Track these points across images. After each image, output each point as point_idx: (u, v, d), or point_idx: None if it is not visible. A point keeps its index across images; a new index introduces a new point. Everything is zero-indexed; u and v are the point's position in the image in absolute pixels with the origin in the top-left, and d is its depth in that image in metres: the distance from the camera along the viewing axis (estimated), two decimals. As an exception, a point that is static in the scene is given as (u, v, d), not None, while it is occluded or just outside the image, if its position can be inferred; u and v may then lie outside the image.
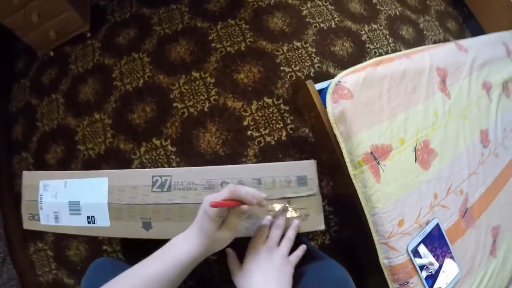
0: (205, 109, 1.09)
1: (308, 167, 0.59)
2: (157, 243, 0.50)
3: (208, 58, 1.15)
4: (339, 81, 0.66)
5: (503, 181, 0.85)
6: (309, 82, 0.72)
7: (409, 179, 0.69)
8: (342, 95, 0.65)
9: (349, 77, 0.66)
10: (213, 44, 1.17)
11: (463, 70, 0.85)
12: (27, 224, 0.65)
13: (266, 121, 1.08)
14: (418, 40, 1.40)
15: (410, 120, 0.71)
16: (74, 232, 0.61)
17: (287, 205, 0.58)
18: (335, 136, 0.67)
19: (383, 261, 0.67)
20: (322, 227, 0.58)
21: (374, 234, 0.67)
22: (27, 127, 1.22)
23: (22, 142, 1.21)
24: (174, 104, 1.11)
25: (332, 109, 0.65)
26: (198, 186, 0.58)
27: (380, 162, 0.66)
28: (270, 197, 0.57)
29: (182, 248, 0.47)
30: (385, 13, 1.39)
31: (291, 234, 0.56)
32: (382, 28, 1.34)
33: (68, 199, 0.61)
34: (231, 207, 0.46)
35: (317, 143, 0.98)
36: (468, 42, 0.91)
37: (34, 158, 1.18)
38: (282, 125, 1.07)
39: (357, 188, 0.67)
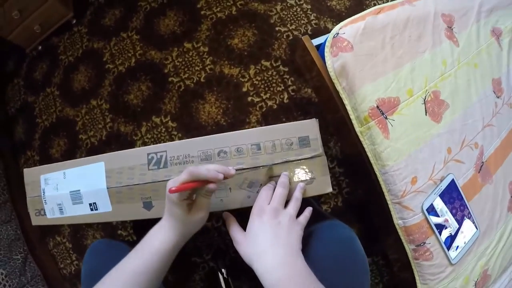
0: (202, 80, 1.05)
1: (309, 127, 0.55)
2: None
3: (198, 27, 1.09)
4: (337, 33, 0.60)
5: (519, 133, 0.79)
6: (305, 38, 0.67)
7: (420, 134, 0.64)
8: (341, 48, 0.59)
9: (347, 28, 0.60)
10: (202, 12, 1.10)
11: (471, 16, 0.77)
12: (35, 221, 0.65)
13: (266, 85, 1.03)
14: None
15: (417, 70, 0.65)
16: (80, 221, 0.61)
17: (291, 168, 0.55)
18: (337, 92, 0.63)
19: (397, 221, 0.64)
20: (329, 189, 0.55)
21: (386, 194, 0.64)
22: (28, 126, 1.21)
23: (25, 141, 1.21)
24: (170, 79, 1.07)
25: (332, 63, 0.60)
26: (195, 158, 0.55)
27: (387, 117, 0.61)
28: (271, 162, 0.54)
29: (158, 238, 0.46)
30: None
31: (298, 194, 0.52)
32: (381, -22, 1.23)
33: (69, 189, 0.61)
34: (197, 187, 0.43)
35: (321, 102, 0.93)
36: (472, -13, 0.82)
37: (39, 155, 1.17)
38: (283, 88, 1.02)
39: (365, 146, 0.63)
